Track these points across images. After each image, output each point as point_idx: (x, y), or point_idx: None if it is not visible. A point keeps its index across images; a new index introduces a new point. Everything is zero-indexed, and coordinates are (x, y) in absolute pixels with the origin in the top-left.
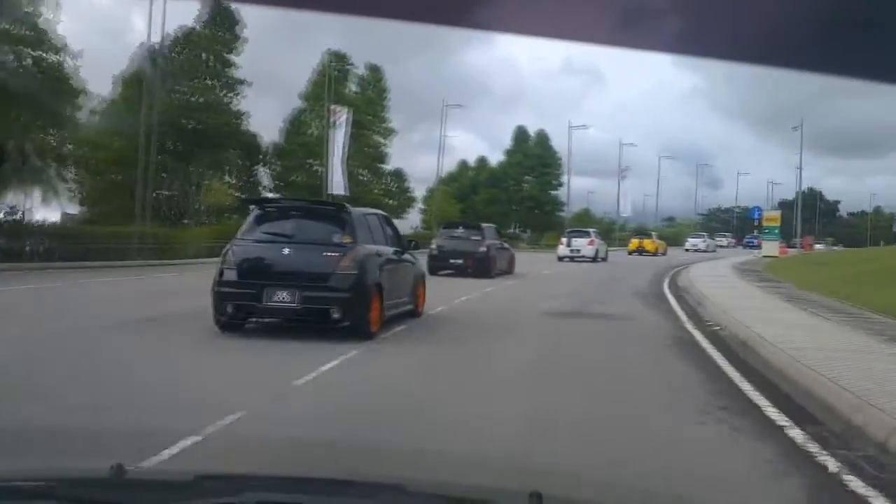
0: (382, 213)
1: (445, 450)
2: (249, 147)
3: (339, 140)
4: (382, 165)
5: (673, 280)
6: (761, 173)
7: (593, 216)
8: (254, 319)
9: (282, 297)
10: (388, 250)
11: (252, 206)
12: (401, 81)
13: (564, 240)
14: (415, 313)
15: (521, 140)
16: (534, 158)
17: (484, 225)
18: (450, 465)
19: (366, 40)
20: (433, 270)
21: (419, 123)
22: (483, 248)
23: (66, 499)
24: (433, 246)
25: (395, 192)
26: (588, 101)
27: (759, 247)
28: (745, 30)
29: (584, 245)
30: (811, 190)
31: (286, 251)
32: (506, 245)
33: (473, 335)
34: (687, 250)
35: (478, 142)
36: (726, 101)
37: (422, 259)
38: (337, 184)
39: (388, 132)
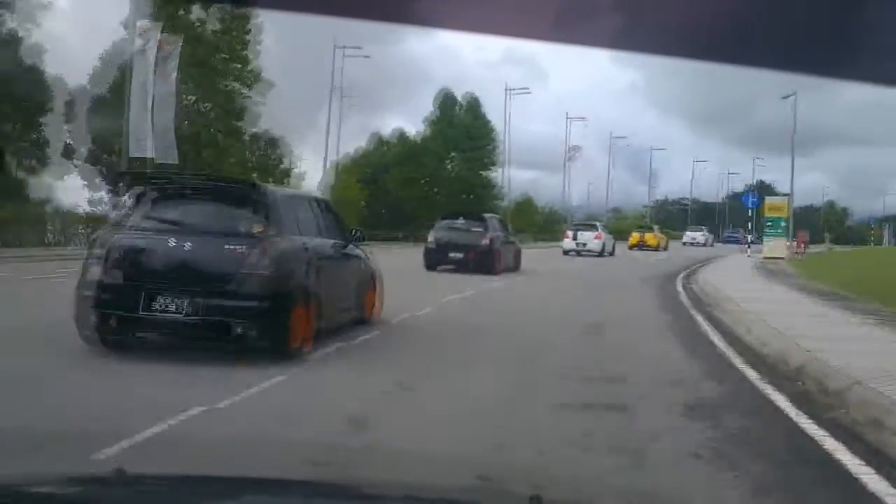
0: (319, 196)
1: (442, 452)
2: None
3: (162, 83)
4: (241, 124)
5: (705, 292)
6: (698, 169)
7: (535, 205)
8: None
9: (165, 306)
10: (325, 244)
11: (132, 183)
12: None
13: (570, 233)
14: (362, 320)
15: (447, 107)
16: (461, 130)
17: (487, 216)
18: (449, 468)
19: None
20: (431, 266)
21: (357, 114)
22: (486, 242)
23: (66, 500)
24: (430, 239)
25: (267, 162)
26: (529, 93)
27: (739, 242)
28: (683, 25)
29: (590, 239)
30: (762, 183)
31: (174, 244)
32: (512, 239)
33: (446, 355)
34: (685, 244)
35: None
36: (664, 98)
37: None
38: (156, 147)
39: (253, 80)
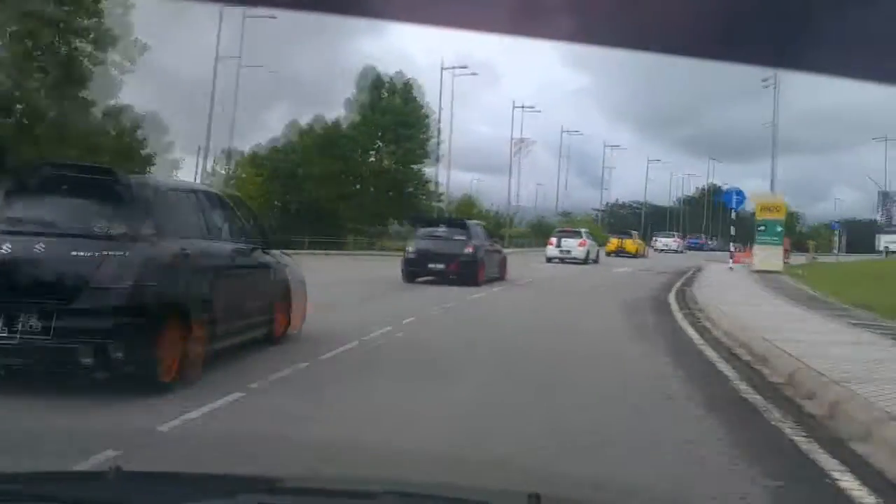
0: (212, 189)
1: (442, 451)
2: None
3: None
4: (86, 94)
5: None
6: (649, 173)
7: (481, 208)
8: None
9: None
10: (217, 248)
11: None
12: (287, 71)
13: (554, 239)
14: (271, 340)
15: (374, 89)
16: (391, 116)
17: (470, 223)
18: (447, 466)
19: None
20: (410, 277)
21: (309, 113)
22: (469, 250)
23: (64, 500)
24: (409, 249)
25: (127, 145)
26: (479, 96)
27: (704, 248)
28: (639, 17)
29: (574, 246)
30: (715, 186)
31: (6, 249)
32: (497, 246)
33: (380, 398)
34: (658, 250)
35: None
36: (613, 102)
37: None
38: None
39: (111, 41)
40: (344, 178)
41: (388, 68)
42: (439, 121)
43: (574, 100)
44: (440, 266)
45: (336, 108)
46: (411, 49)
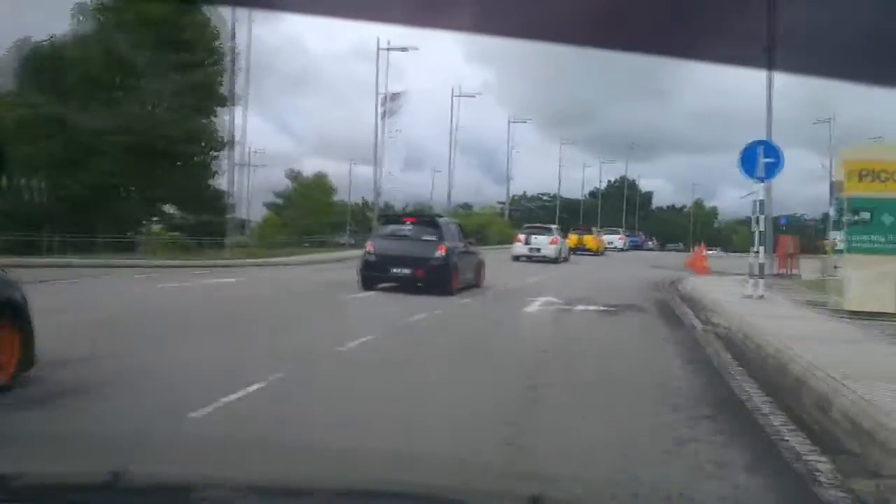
0: None
1: (442, 453)
2: None
3: None
4: None
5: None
6: (552, 167)
7: (332, 188)
8: None
9: None
10: None
11: None
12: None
13: (522, 236)
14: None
15: None
16: (159, 30)
17: (442, 220)
18: (448, 469)
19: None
20: (368, 284)
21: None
22: (440, 253)
23: (64, 502)
24: (368, 250)
25: None
26: (380, 89)
27: (643, 247)
28: (533, 7)
29: (545, 243)
30: (623, 179)
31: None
32: (472, 248)
33: None
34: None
35: (263, 124)
36: (514, 99)
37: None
38: None
39: None
40: (68, 143)
41: (284, 58)
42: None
43: (480, 94)
44: (405, 271)
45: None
46: (311, 42)
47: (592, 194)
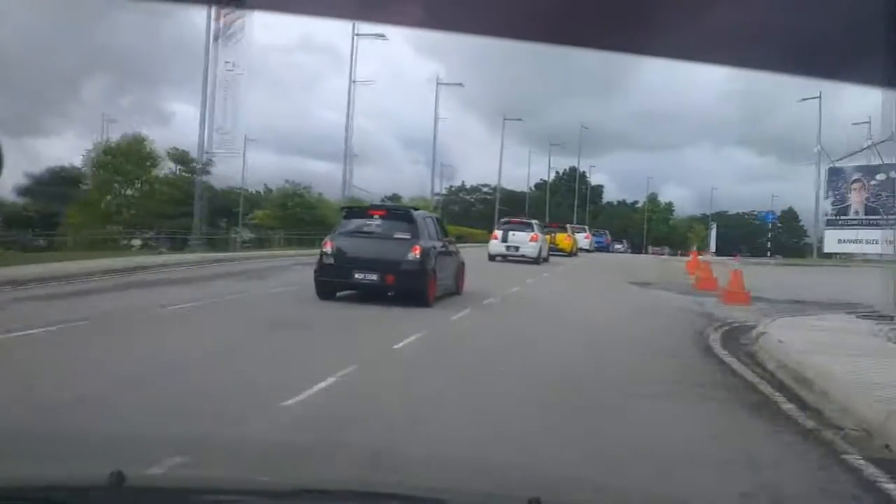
0: None
1: (445, 455)
2: None
3: None
4: None
5: None
6: (495, 166)
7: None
8: None
9: None
10: None
11: None
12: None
13: (499, 233)
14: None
15: None
16: None
17: (418, 214)
18: (449, 470)
19: None
20: (325, 292)
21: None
22: (414, 255)
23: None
24: (326, 250)
25: None
26: (327, 82)
27: (610, 249)
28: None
29: (525, 241)
30: (572, 170)
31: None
32: (451, 247)
33: None
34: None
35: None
36: (462, 92)
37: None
38: None
39: None
40: None
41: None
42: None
43: (426, 88)
44: (371, 277)
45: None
46: (254, 32)
47: (539, 187)
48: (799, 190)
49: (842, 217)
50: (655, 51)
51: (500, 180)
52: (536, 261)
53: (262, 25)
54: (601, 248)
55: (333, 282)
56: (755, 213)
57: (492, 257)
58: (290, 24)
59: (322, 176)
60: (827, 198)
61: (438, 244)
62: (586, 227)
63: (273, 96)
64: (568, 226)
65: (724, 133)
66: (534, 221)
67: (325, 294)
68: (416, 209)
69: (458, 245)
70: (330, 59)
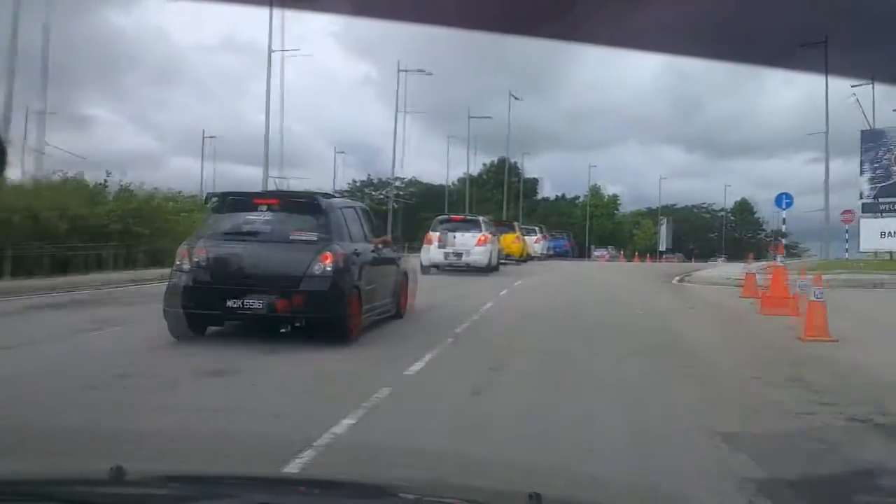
0: None
1: (445, 450)
2: None
3: None
4: None
5: None
6: (428, 165)
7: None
8: None
9: None
10: None
11: None
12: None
13: (436, 234)
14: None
15: None
16: None
17: (330, 202)
18: (450, 465)
19: None
20: (182, 328)
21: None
22: (324, 266)
23: (64, 500)
24: (182, 263)
25: None
26: (254, 82)
27: (570, 254)
28: None
29: (471, 244)
30: (501, 160)
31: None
32: (389, 252)
33: None
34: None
35: (125, 122)
36: (395, 94)
37: None
38: None
39: None
40: None
41: (142, 46)
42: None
43: (356, 90)
44: (255, 304)
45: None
46: (169, 26)
47: (465, 181)
48: (735, 182)
49: (886, 200)
50: (594, 39)
51: (396, 162)
52: (486, 269)
53: (183, 25)
54: (561, 253)
55: (196, 313)
56: (705, 205)
57: (426, 268)
58: (213, 22)
59: (250, 182)
60: (862, 173)
61: (367, 247)
62: (540, 227)
63: (196, 98)
64: (517, 224)
65: (656, 130)
66: (481, 218)
67: (181, 331)
68: (328, 195)
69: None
70: (254, 60)
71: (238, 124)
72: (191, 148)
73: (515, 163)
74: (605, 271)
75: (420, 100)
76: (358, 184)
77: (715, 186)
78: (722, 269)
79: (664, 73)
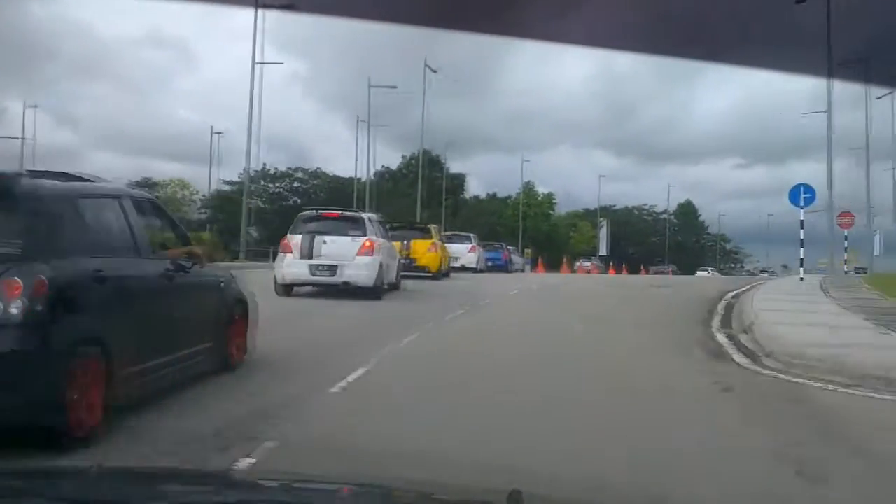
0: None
1: (426, 449)
2: None
3: None
4: None
5: None
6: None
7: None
8: None
9: None
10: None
11: None
12: None
13: (296, 239)
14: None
15: None
16: None
17: (44, 185)
18: (432, 464)
19: None
20: None
21: None
22: (9, 304)
23: (46, 496)
24: None
25: None
26: (178, 78)
27: (510, 268)
28: None
29: (347, 251)
30: (425, 153)
31: None
32: (197, 269)
33: None
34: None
35: (38, 114)
36: (326, 92)
37: None
38: None
39: None
40: None
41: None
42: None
43: (283, 86)
44: None
45: None
46: (91, 18)
47: (382, 175)
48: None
49: None
50: (533, 34)
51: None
52: (373, 291)
53: (107, 19)
54: (498, 266)
55: None
56: (647, 207)
57: (284, 288)
58: (138, 15)
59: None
60: None
61: (136, 266)
62: (471, 235)
63: (119, 92)
64: (433, 228)
65: (588, 133)
66: (366, 215)
67: None
68: (73, 177)
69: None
70: (180, 54)
71: (159, 120)
72: (112, 143)
73: (438, 156)
74: (588, 299)
75: (346, 100)
76: (253, 174)
77: (645, 191)
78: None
79: (596, 77)
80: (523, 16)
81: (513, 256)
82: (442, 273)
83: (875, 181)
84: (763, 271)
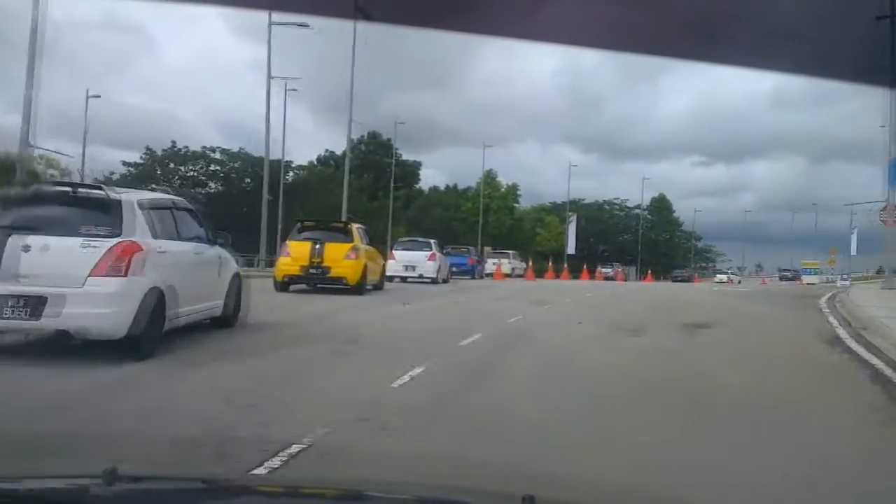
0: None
1: (440, 453)
2: None
3: None
4: None
5: None
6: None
7: None
8: None
9: None
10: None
11: None
12: None
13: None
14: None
15: None
16: None
17: None
18: (445, 468)
19: None
20: None
21: None
22: None
23: (59, 500)
24: None
25: None
26: (135, 65)
27: (475, 273)
28: None
29: (75, 272)
30: (376, 135)
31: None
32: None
33: None
34: (402, 278)
35: None
36: (282, 79)
37: None
38: None
39: None
40: None
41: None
42: None
43: (246, 74)
44: None
45: None
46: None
47: (324, 161)
48: (620, 183)
49: None
50: (499, 31)
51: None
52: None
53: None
54: (464, 271)
55: None
56: (618, 201)
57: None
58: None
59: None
60: None
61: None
62: (431, 241)
63: (70, 78)
64: (356, 228)
65: (554, 129)
66: (120, 196)
67: None
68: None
69: None
70: (137, 39)
71: (111, 108)
72: (61, 129)
73: (389, 140)
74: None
75: (312, 90)
76: (160, 154)
77: (609, 188)
78: None
79: (562, 73)
80: (487, 14)
81: (479, 259)
82: (365, 286)
83: None
84: (784, 271)
